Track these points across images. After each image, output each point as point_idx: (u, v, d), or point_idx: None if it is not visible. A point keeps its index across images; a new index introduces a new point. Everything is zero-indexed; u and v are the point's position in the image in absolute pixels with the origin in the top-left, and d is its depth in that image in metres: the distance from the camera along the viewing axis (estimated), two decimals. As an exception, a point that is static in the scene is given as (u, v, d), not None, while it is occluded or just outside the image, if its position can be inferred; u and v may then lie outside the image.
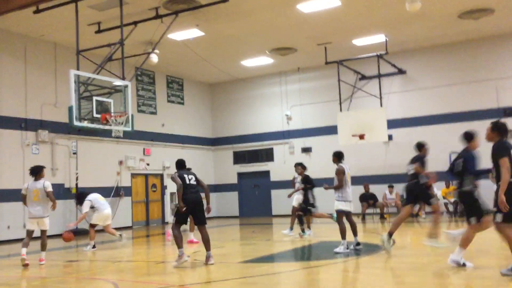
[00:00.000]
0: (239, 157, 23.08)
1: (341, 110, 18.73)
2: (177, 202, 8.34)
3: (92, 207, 11.93)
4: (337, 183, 9.21)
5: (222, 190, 23.11)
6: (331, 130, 19.42)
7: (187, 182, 8.38)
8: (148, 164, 19.92)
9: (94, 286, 7.13)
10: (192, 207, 8.30)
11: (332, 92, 19.76)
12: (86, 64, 13.97)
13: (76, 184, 16.74)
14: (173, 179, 8.43)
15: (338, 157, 9.48)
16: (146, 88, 20.40)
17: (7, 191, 14.80)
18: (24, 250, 9.22)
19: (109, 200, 18.08)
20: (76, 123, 12.81)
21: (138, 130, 17.91)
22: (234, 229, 16.04)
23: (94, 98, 13.55)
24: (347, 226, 9.27)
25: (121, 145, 18.65)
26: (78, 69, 13.01)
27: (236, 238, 12.87)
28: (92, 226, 12.00)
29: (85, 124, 13.28)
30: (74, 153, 16.94)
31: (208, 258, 8.35)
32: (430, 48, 19.12)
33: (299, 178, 12.32)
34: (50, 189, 9.46)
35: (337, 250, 9.02)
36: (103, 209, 11.97)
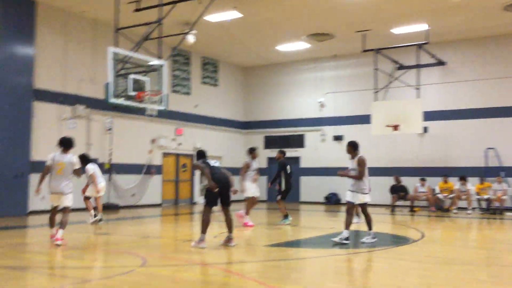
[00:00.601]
0: (270, 142, 23.08)
1: (376, 99, 18.46)
2: (207, 183, 8.40)
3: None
4: (358, 173, 8.79)
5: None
6: (364, 119, 19.18)
7: (212, 164, 8.50)
8: (180, 144, 20.13)
9: (123, 259, 7.29)
10: (222, 187, 8.34)
11: (368, 80, 19.47)
12: (124, 42, 14.13)
13: (110, 160, 17.08)
14: (196, 166, 8.57)
15: (355, 146, 9.02)
16: (181, 69, 20.53)
17: (43, 163, 15.19)
18: (53, 230, 8.64)
19: (141, 177, 18.42)
20: (112, 99, 13.02)
21: (171, 110, 18.09)
22: (262, 213, 16.11)
23: (131, 76, 13.73)
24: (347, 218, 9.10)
25: (154, 124, 18.88)
26: (116, 46, 13.16)
27: (263, 222, 12.93)
28: (87, 198, 12.15)
29: (121, 101, 13.49)
30: (108, 129, 17.25)
31: (230, 239, 8.42)
32: (472, 40, 18.56)
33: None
34: (78, 166, 8.77)
35: (363, 240, 8.94)
36: (100, 182, 12.05)
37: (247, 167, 11.91)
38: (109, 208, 16.52)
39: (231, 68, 23.27)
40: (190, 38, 16.39)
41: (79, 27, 16.56)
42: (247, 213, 11.80)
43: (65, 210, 8.70)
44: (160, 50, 14.31)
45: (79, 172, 8.76)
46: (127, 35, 14.01)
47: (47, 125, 15.45)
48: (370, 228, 9.02)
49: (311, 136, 21.79)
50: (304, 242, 9.71)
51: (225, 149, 22.53)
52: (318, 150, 21.49)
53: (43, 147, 15.20)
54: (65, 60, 16.10)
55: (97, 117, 16.88)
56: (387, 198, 17.66)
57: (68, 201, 8.67)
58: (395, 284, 5.80)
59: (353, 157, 8.96)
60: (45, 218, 13.20)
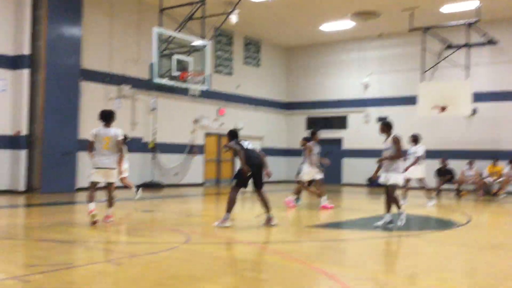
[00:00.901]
0: (312, 123, 22.89)
1: (422, 80, 17.93)
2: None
3: None
4: (396, 153, 8.34)
5: (293, 155, 23.10)
6: (410, 100, 18.70)
7: (245, 147, 8.35)
8: (222, 124, 20.26)
9: (167, 236, 7.44)
10: (255, 169, 8.23)
11: (414, 60, 18.91)
12: (168, 23, 14.22)
13: (154, 139, 17.38)
14: (229, 147, 8.43)
15: (389, 126, 8.70)
16: (224, 49, 20.54)
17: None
18: (92, 205, 8.16)
19: (184, 156, 18.68)
20: (157, 79, 13.19)
21: (214, 90, 18.17)
22: (303, 194, 16.06)
23: (174, 56, 13.85)
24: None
25: (196, 104, 19.04)
26: (160, 26, 13.26)
27: (304, 203, 12.88)
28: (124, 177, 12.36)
29: (165, 81, 13.66)
30: (153, 109, 17.53)
31: (270, 219, 8.35)
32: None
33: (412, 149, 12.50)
34: (121, 138, 8.42)
35: (377, 224, 8.49)
36: (124, 163, 12.13)
37: (310, 150, 11.46)
38: (153, 186, 16.88)
39: (274, 49, 23.10)
40: (233, 18, 16.33)
41: (124, 8, 16.78)
42: (319, 195, 11.47)
43: (111, 186, 8.45)
44: (203, 30, 14.34)
45: (121, 144, 8.39)
46: (171, 15, 14.10)
47: (94, 104, 15.81)
48: (388, 210, 8.50)
49: (354, 117, 21.46)
50: (347, 224, 9.63)
51: (266, 129, 22.52)
52: (361, 131, 21.16)
53: (90, 126, 15.53)
54: (111, 41, 16.38)
55: (141, 97, 17.16)
56: (433, 181, 17.26)
57: (114, 176, 8.48)
58: (439, 268, 5.67)
59: (387, 137, 8.64)
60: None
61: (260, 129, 22.11)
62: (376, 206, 11.58)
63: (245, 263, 5.84)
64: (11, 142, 14.18)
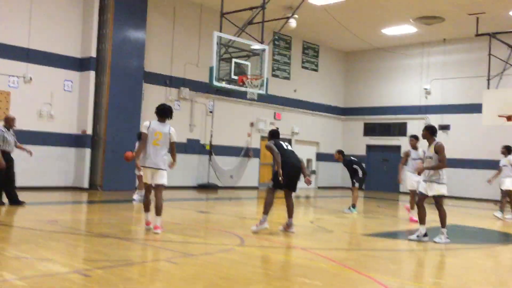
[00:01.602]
0: (369, 129, 22.52)
1: (488, 87, 17.21)
2: (309, 169, 8.25)
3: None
4: (441, 161, 7.75)
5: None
6: (474, 108, 18.01)
7: (285, 147, 8.16)
8: (277, 128, 20.28)
9: (222, 237, 7.54)
10: (293, 172, 8.03)
11: (480, 67, 18.21)
12: (228, 27, 14.42)
13: (210, 142, 17.67)
14: (269, 148, 8.21)
15: (433, 131, 8.14)
16: (282, 53, 20.59)
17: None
18: (149, 216, 7.61)
19: (239, 159, 18.88)
20: (215, 83, 13.39)
21: (271, 94, 18.26)
22: (359, 201, 15.80)
23: (233, 60, 14.02)
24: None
25: (253, 108, 19.19)
26: (221, 31, 13.47)
27: (360, 210, 12.67)
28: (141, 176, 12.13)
29: (223, 84, 13.85)
30: (210, 112, 17.83)
31: (289, 225, 8.13)
32: None
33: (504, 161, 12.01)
34: (175, 138, 7.56)
35: (436, 240, 7.76)
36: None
37: (406, 156, 10.82)
38: (208, 187, 17.15)
39: (332, 53, 22.92)
40: (292, 22, 16.34)
41: (186, 12, 17.20)
42: (411, 207, 10.52)
43: (158, 189, 7.41)
44: (262, 34, 14.43)
45: (174, 146, 7.53)
46: (231, 19, 14.29)
47: (155, 106, 16.27)
48: (443, 225, 7.85)
49: (414, 124, 20.89)
50: (403, 234, 9.39)
51: (322, 135, 22.35)
52: (421, 139, 20.58)
53: (150, 127, 16.07)
54: (173, 44, 16.83)
55: (200, 99, 17.50)
56: (497, 192, 16.51)
57: (163, 178, 7.39)
58: (501, 283, 5.42)
59: (430, 144, 8.06)
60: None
61: (316, 135, 21.98)
62: (434, 216, 11.22)
63: (298, 268, 5.82)
64: (77, 140, 14.84)
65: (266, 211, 8.08)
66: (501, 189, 12.22)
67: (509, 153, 12.22)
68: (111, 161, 14.72)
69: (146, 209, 7.63)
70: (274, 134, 8.45)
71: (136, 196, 11.82)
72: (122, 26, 15.05)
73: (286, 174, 7.99)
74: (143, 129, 7.47)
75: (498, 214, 12.14)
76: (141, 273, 5.06)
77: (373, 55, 22.42)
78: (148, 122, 7.54)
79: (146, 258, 5.76)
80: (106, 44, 14.83)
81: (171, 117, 7.63)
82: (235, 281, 4.86)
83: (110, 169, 14.68)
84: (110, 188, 14.52)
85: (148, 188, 7.59)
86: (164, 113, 7.59)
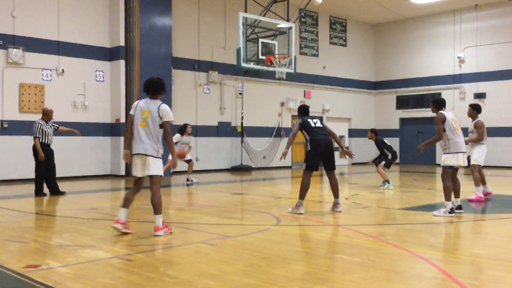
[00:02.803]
0: (402, 102, 22.11)
1: (525, 51, 16.61)
2: (345, 148, 8.05)
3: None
4: (436, 135, 7.73)
5: (383, 136, 22.52)
6: (510, 74, 17.42)
7: (312, 125, 7.92)
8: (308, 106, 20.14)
9: (258, 218, 7.59)
10: (323, 150, 7.83)
11: (515, 31, 17.55)
12: (253, 7, 14.31)
13: (242, 123, 17.70)
14: (293, 125, 8.09)
15: (436, 104, 8.07)
16: (309, 30, 20.32)
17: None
18: (121, 213, 6.06)
19: (271, 140, 18.88)
20: (243, 64, 13.37)
21: (300, 72, 18.08)
22: (394, 175, 15.61)
23: (260, 40, 13.93)
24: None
25: (283, 87, 19.08)
26: (246, 11, 13.38)
27: (396, 184, 12.53)
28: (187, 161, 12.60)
29: (251, 65, 13.81)
30: (240, 94, 17.83)
31: (336, 205, 7.98)
32: None
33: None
34: (168, 118, 6.00)
35: (435, 213, 7.59)
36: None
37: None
38: (242, 169, 17.25)
39: (360, 26, 22.48)
40: (318, -2, 16.08)
41: (210, -5, 17.13)
42: (477, 183, 9.54)
43: (152, 181, 6.07)
44: (288, 12, 14.26)
45: (167, 127, 6.03)
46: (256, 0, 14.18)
47: (184, 91, 16.42)
48: (445, 198, 7.59)
49: (448, 94, 20.40)
50: (441, 206, 9.23)
51: (354, 111, 22.09)
52: (456, 109, 20.12)
53: (181, 112, 16.23)
54: (199, 29, 16.82)
55: (229, 82, 17.51)
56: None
57: (155, 167, 5.98)
58: (549, 254, 5.28)
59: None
60: (185, 178, 14.16)
61: (347, 111, 21.74)
62: (472, 187, 11.00)
63: (337, 246, 5.82)
64: (112, 129, 15.12)
65: (301, 196, 7.89)
66: None
67: None
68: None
69: (124, 203, 6.09)
70: (301, 111, 8.23)
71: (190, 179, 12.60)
72: (148, 14, 15.11)
73: (317, 154, 7.83)
74: (131, 111, 6.16)
75: None
76: (181, 255, 5.15)
77: (402, 26, 21.88)
78: (137, 102, 6.22)
79: (185, 241, 5.85)
80: (133, 32, 14.95)
81: (163, 91, 6.24)
82: (273, 261, 4.89)
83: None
84: (146, 174, 14.75)
85: (136, 182, 6.16)
86: (153, 87, 6.17)
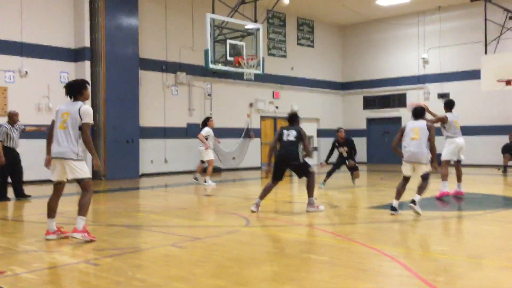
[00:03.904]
0: (369, 102, 22.46)
1: (486, 52, 17.10)
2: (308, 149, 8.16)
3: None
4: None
5: (351, 136, 22.81)
6: (473, 74, 17.94)
7: (284, 138, 8.02)
8: (277, 107, 20.24)
9: (228, 219, 7.59)
10: (280, 165, 8.00)
11: (476, 33, 18.08)
12: (221, 8, 14.29)
13: (211, 124, 17.66)
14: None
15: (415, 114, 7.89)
16: (277, 31, 20.43)
17: (150, 128, 16.13)
18: (52, 224, 5.95)
19: (241, 141, 18.89)
20: (211, 65, 13.34)
21: (268, 73, 18.17)
22: (362, 175, 15.85)
23: (228, 41, 13.93)
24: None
25: (251, 88, 19.13)
26: (213, 12, 13.35)
27: (363, 184, 12.72)
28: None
29: (219, 66, 13.79)
30: (208, 95, 17.78)
31: (308, 204, 8.04)
32: None
33: None
34: (89, 119, 5.77)
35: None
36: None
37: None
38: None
39: (328, 28, 22.73)
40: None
41: (177, -5, 17.02)
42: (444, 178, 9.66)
43: (80, 185, 5.95)
44: (256, 13, 14.31)
45: (86, 129, 5.76)
46: (223, 0, 14.16)
47: (152, 92, 16.27)
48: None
49: (413, 94, 20.85)
50: (404, 205, 9.42)
51: (322, 111, 22.32)
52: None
53: (150, 114, 16.09)
54: (166, 29, 16.70)
55: (197, 83, 17.44)
56: (499, 158, 16.56)
57: (78, 170, 5.79)
58: (503, 248, 5.47)
59: None
60: (155, 180, 14.00)
61: (315, 111, 21.95)
62: (438, 185, 11.25)
63: (305, 245, 5.87)
64: (77, 132, 14.82)
65: (261, 196, 8.09)
66: None
67: None
68: (113, 151, 14.75)
69: (49, 213, 5.92)
70: (289, 118, 8.33)
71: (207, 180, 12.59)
72: (114, 14, 14.92)
73: (276, 166, 8.06)
74: (54, 117, 5.96)
75: None
76: (149, 259, 5.11)
77: (369, 27, 22.25)
78: (59, 105, 6.04)
79: (154, 244, 5.80)
80: (99, 33, 14.72)
81: (84, 92, 5.94)
82: (243, 262, 4.91)
83: (112, 159, 14.73)
84: (113, 177, 14.58)
85: (55, 187, 6.00)
86: (72, 89, 5.92)
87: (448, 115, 9.62)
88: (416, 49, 20.82)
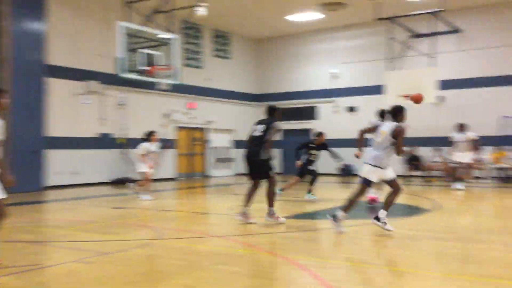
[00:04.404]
0: (283, 114, 22.99)
1: (390, 69, 18.20)
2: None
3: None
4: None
5: (265, 147, 23.21)
6: (378, 89, 18.95)
7: (252, 133, 7.95)
8: (193, 118, 20.15)
9: (138, 232, 7.40)
10: (246, 162, 7.86)
11: (381, 50, 19.15)
12: (135, 16, 14.02)
13: (125, 135, 17.18)
14: None
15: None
16: (193, 42, 20.37)
17: (58, 138, 15.38)
18: None
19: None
20: (124, 74, 13.02)
21: (184, 84, 18.05)
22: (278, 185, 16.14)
23: (142, 50, 13.69)
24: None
25: (167, 98, 18.87)
26: (126, 20, 13.07)
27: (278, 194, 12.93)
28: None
29: (133, 75, 13.50)
30: (122, 104, 17.30)
31: (267, 214, 7.93)
32: (489, 6, 18.09)
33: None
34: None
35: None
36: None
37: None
38: (123, 182, 16.70)
39: (243, 41, 23.05)
40: (201, 11, 16.21)
41: (89, 1, 16.45)
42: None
43: None
44: (171, 23, 14.21)
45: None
46: (137, 8, 13.91)
47: (61, 101, 15.54)
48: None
49: (323, 107, 21.65)
50: (319, 214, 9.73)
51: (237, 122, 22.51)
52: (330, 122, 21.37)
53: (58, 123, 15.34)
54: (77, 36, 16.05)
55: (110, 92, 16.90)
56: (403, 168, 17.60)
57: None
58: (411, 254, 5.81)
59: None
60: (63, 193, 13.34)
61: (231, 122, 22.10)
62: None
63: (218, 257, 5.86)
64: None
65: (270, 205, 7.81)
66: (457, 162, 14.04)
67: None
68: (17, 162, 13.85)
69: None
70: (266, 111, 8.12)
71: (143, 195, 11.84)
72: (20, 18, 14.11)
73: (245, 165, 7.82)
74: None
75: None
76: (53, 276, 4.84)
77: (282, 42, 22.85)
78: None
79: (59, 261, 5.51)
80: (4, 37, 13.84)
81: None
82: (153, 276, 4.80)
83: (16, 169, 13.77)
84: (17, 189, 13.66)
85: None
86: None
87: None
88: (326, 64, 21.68)
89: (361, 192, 7.07)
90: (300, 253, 5.90)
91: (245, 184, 11.69)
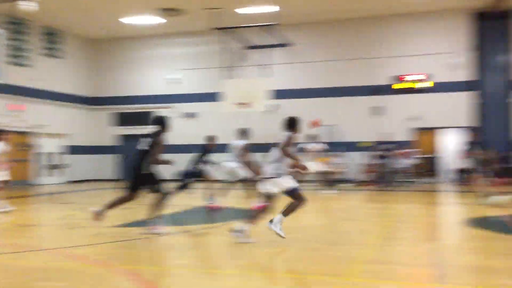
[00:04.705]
0: (122, 119, 22.32)
1: (227, 77, 18.80)
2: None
3: None
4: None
5: (100, 152, 22.29)
6: (215, 97, 19.44)
7: (137, 146, 7.67)
8: (22, 121, 18.49)
9: None
10: (131, 174, 7.57)
11: (218, 59, 19.72)
12: None
13: None
14: None
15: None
16: (20, 38, 18.69)
17: None
18: None
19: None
20: None
21: (9, 84, 16.48)
22: (112, 192, 15.58)
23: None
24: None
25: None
26: None
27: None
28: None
29: None
30: None
31: (98, 213, 7.63)
32: (318, 24, 19.87)
33: None
34: None
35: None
36: None
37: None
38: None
39: (78, 40, 21.84)
40: (27, 5, 14.96)
41: None
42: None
43: None
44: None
45: None
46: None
47: None
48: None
49: (162, 113, 21.50)
50: (151, 222, 9.60)
51: (71, 126, 21.26)
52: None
53: None
54: None
55: None
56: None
57: None
58: (236, 257, 6.06)
59: None
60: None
61: (64, 126, 20.77)
62: (189, 200, 11.78)
63: (42, 272, 5.44)
64: None
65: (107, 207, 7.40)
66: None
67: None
68: None
69: None
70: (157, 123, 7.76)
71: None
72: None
73: None
74: None
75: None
76: None
77: (120, 44, 22.20)
78: None
79: None
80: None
81: None
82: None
83: None
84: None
85: None
86: None
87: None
88: (164, 70, 21.61)
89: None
90: (131, 261, 5.77)
91: (78, 191, 11.10)
